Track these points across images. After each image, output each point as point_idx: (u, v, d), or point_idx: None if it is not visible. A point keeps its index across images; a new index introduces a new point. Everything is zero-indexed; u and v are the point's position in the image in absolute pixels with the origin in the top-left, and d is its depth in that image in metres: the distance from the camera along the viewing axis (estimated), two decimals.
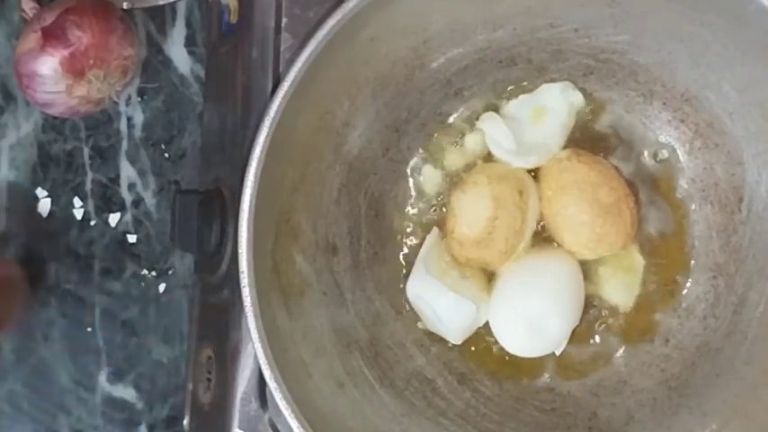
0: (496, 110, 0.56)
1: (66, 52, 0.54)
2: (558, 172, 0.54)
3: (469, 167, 0.56)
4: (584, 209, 0.53)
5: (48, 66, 0.54)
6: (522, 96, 0.56)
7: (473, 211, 0.54)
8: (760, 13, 0.44)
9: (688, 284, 0.55)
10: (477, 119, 0.56)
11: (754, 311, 0.52)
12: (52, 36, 0.54)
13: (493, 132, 0.55)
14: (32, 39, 0.55)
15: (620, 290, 0.55)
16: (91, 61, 0.55)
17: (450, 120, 0.57)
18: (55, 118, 0.61)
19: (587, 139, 0.56)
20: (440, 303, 0.55)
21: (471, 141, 0.56)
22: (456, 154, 0.57)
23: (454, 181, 0.56)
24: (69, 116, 0.58)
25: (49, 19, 0.55)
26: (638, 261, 0.55)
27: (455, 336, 0.55)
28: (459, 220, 0.54)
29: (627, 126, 0.56)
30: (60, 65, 0.54)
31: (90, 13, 0.56)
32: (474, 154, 0.56)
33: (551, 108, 0.55)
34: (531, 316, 0.53)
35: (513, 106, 0.56)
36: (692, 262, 0.55)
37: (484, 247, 0.54)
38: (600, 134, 0.56)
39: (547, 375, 0.56)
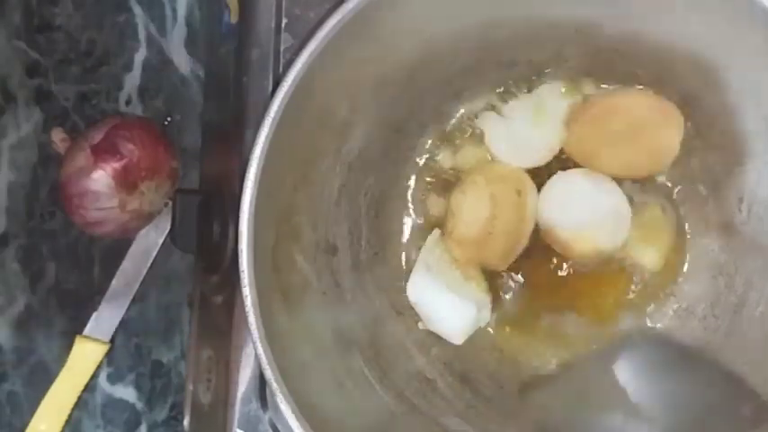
0: (496, 110, 0.56)
1: (118, 165, 0.55)
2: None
3: (468, 168, 0.56)
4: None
5: (101, 181, 0.56)
6: (522, 96, 0.56)
7: (472, 212, 0.54)
8: (760, 13, 0.44)
9: (688, 284, 0.55)
10: (478, 119, 0.56)
11: (755, 311, 0.52)
12: (104, 151, 0.56)
13: (493, 132, 0.55)
14: (82, 157, 0.56)
15: (649, 251, 0.55)
16: (143, 173, 0.56)
17: (451, 120, 0.57)
18: (55, 118, 0.61)
19: None
20: (440, 304, 0.55)
21: (471, 142, 0.56)
22: (456, 154, 0.57)
23: (453, 181, 0.56)
24: (119, 235, 0.59)
25: (97, 137, 0.56)
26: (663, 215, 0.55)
27: (455, 336, 0.55)
28: (458, 221, 0.54)
29: None
30: (113, 179, 0.55)
31: (137, 127, 0.57)
32: (473, 154, 0.56)
33: (551, 108, 0.55)
34: None
35: (513, 106, 0.56)
36: (692, 262, 0.55)
37: (483, 246, 0.54)
38: None
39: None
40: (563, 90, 0.55)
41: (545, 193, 0.54)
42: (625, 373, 0.54)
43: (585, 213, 0.54)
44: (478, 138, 0.56)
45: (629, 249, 0.55)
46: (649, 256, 0.55)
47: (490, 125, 0.55)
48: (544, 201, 0.54)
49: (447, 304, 0.55)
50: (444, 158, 0.57)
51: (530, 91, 0.56)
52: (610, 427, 0.49)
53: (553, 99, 0.55)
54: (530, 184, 0.55)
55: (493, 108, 0.56)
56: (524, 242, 0.54)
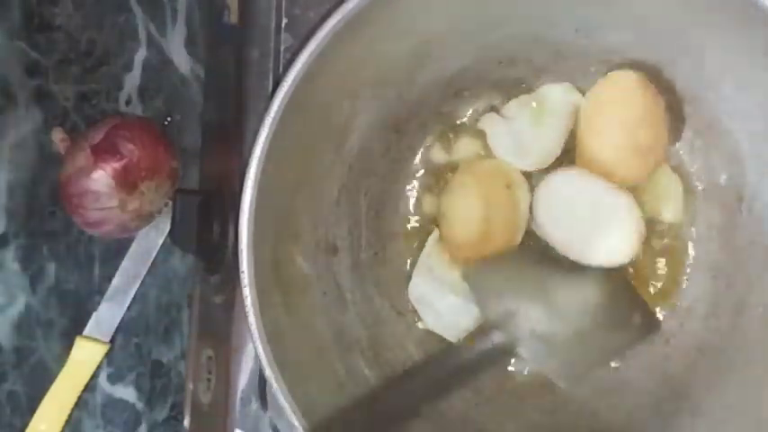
0: (496, 110, 0.56)
1: (118, 165, 0.55)
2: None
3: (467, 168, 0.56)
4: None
5: (101, 181, 0.55)
6: (522, 96, 0.56)
7: (465, 214, 0.54)
8: (760, 14, 0.44)
9: (688, 284, 0.55)
10: (478, 119, 0.56)
11: (755, 311, 0.52)
12: (104, 151, 0.56)
13: (494, 133, 0.55)
14: (82, 157, 0.56)
15: (668, 205, 0.55)
16: (143, 173, 0.56)
17: (451, 120, 0.57)
18: (55, 118, 0.61)
19: None
20: (441, 304, 0.55)
21: (470, 142, 0.56)
22: (456, 154, 0.57)
23: (448, 181, 0.56)
24: (119, 235, 0.59)
25: (97, 137, 0.56)
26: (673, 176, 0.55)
27: (455, 336, 0.55)
28: (453, 225, 0.54)
29: None
30: (113, 179, 0.55)
31: (137, 127, 0.57)
32: (473, 154, 0.56)
33: (551, 108, 0.55)
34: None
35: (513, 106, 0.56)
36: (692, 262, 0.55)
37: (483, 245, 0.54)
38: None
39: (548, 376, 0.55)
40: (563, 90, 0.55)
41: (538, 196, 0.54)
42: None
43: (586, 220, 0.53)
44: (478, 138, 0.56)
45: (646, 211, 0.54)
46: (666, 210, 0.55)
47: (491, 126, 0.55)
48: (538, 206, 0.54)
49: (447, 304, 0.55)
50: (444, 159, 0.57)
51: (530, 91, 0.56)
52: (533, 317, 0.49)
53: (553, 99, 0.55)
54: (518, 176, 0.54)
55: (493, 108, 0.56)
56: (522, 231, 0.54)
